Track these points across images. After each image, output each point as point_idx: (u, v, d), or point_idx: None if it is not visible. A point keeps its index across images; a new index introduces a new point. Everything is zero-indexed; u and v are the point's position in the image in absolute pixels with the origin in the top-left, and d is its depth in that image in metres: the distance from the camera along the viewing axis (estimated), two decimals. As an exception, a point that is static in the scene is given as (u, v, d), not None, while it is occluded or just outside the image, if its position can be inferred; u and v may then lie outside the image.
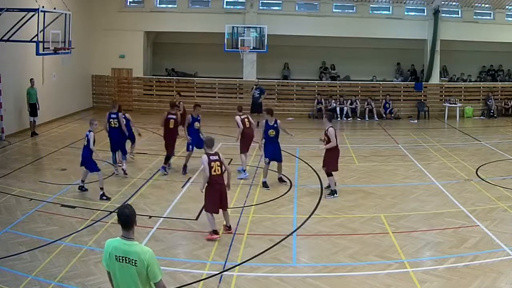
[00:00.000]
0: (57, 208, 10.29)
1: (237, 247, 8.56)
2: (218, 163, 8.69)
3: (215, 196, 8.77)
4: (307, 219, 9.94)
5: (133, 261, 4.42)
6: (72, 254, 8.08)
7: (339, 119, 23.35)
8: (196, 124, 13.04)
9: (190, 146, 13.04)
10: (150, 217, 9.91)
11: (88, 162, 11.10)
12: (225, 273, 7.62)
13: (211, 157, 8.68)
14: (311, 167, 13.90)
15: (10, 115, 17.32)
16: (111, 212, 9.94)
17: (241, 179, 12.56)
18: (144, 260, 4.41)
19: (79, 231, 9.10)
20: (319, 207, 10.67)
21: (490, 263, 7.89)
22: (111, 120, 12.99)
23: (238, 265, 7.90)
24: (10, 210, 10.13)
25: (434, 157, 15.47)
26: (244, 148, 12.89)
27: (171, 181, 12.42)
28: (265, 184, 11.99)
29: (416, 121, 23.32)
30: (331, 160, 11.36)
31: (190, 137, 12.94)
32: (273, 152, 12.04)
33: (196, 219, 9.87)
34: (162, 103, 23.14)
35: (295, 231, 9.34)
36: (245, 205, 10.75)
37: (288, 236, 9.07)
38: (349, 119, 23.48)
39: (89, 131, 11.07)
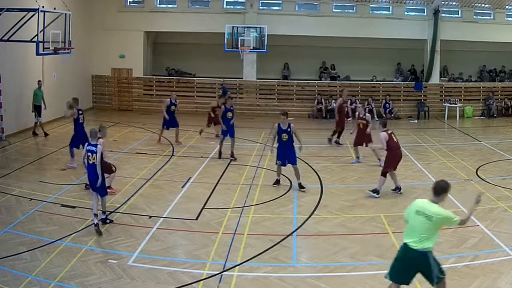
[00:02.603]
0: (57, 208, 10.28)
1: (237, 247, 8.56)
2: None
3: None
4: (307, 219, 9.94)
5: (430, 216, 6.02)
6: (72, 254, 8.08)
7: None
8: (229, 114, 14.48)
9: (224, 133, 14.59)
10: (150, 217, 9.90)
11: (102, 185, 9.26)
12: (225, 273, 7.62)
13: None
14: (311, 167, 13.89)
15: (10, 115, 17.31)
16: (111, 212, 9.93)
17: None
18: (438, 219, 6.03)
19: (79, 231, 9.10)
20: (319, 207, 10.66)
21: (490, 263, 7.89)
22: (81, 115, 13.65)
23: (238, 265, 7.90)
24: (10, 210, 10.13)
25: (434, 157, 15.46)
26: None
27: (171, 181, 12.42)
28: (276, 182, 12.10)
29: (416, 121, 23.31)
30: (387, 160, 11.60)
31: (225, 126, 14.40)
32: (284, 155, 11.88)
33: (196, 219, 9.88)
34: (162, 103, 23.05)
35: (295, 231, 9.33)
36: (245, 205, 10.75)
37: (288, 236, 9.06)
38: (349, 119, 23.37)
39: (94, 144, 9.22)
